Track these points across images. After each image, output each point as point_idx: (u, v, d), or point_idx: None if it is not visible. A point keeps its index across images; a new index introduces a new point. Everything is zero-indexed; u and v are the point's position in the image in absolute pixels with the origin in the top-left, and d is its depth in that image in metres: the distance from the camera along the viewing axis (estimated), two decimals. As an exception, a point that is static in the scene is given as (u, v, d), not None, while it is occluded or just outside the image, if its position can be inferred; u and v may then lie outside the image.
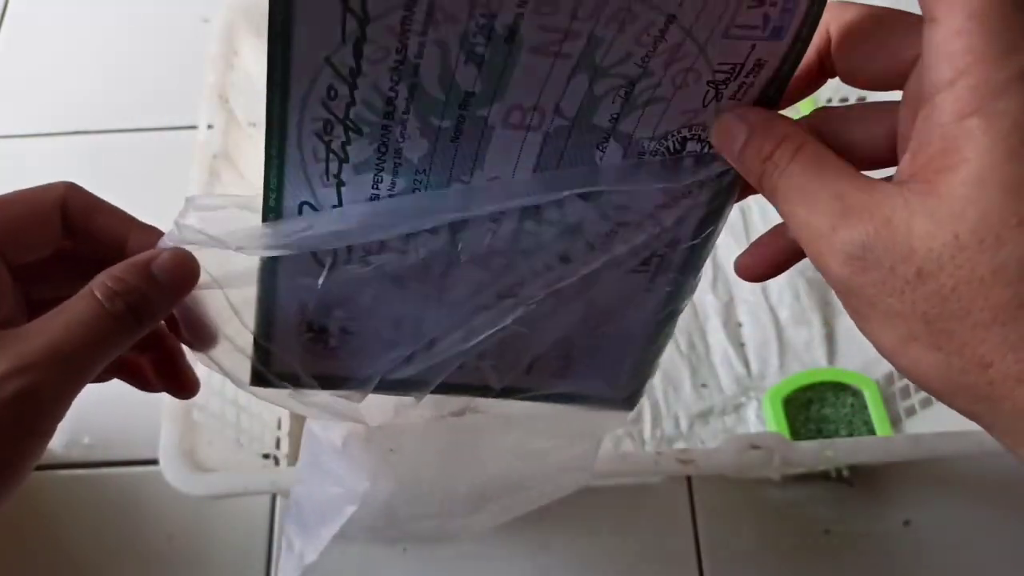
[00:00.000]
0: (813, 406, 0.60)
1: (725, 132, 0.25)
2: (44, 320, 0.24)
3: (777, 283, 0.64)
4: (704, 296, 0.64)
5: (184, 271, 0.26)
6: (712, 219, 0.28)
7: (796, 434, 0.58)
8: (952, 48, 0.19)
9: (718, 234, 0.29)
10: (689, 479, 0.57)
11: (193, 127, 0.54)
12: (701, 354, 0.62)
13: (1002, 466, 0.56)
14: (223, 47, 0.55)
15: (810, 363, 0.62)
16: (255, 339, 0.29)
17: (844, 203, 0.21)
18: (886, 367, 0.59)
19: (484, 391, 0.32)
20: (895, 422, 0.58)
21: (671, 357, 0.61)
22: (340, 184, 0.25)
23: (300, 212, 0.26)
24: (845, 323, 0.63)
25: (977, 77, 0.19)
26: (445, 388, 0.31)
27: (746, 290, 0.64)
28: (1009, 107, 0.19)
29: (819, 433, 0.58)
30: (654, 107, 0.25)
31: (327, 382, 0.30)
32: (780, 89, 0.25)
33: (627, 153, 0.26)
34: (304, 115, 0.24)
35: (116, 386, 0.29)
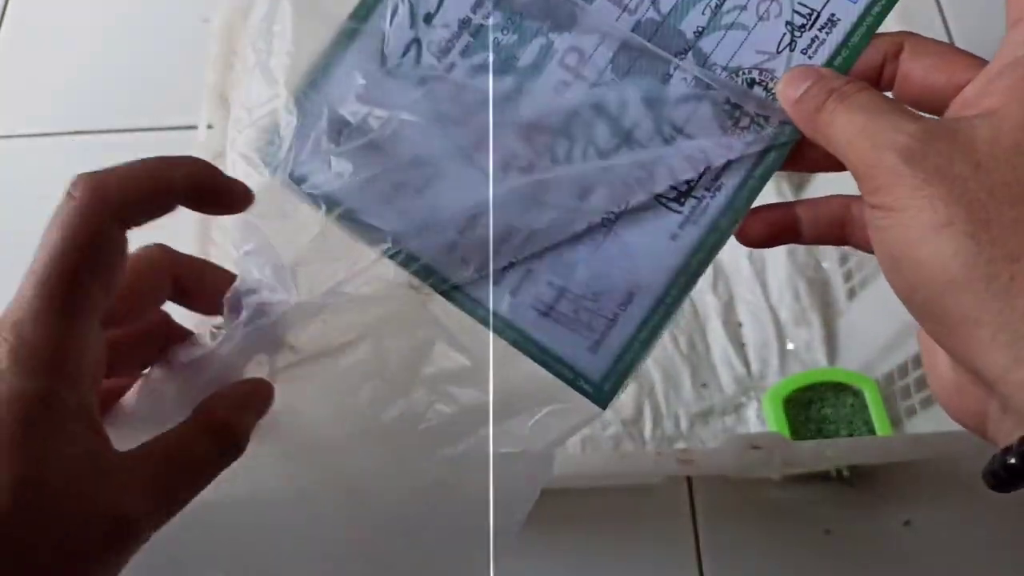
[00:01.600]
0: (813, 406, 0.60)
1: (791, 78, 0.26)
2: (151, 454, 0.23)
3: (777, 283, 0.64)
4: (704, 296, 0.64)
5: (264, 407, 0.26)
6: (758, 175, 0.28)
7: (796, 434, 0.58)
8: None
9: (750, 202, 0.28)
10: (689, 479, 0.57)
11: (193, 127, 0.53)
12: (701, 354, 0.62)
13: (1002, 466, 0.56)
14: (223, 47, 0.55)
15: (810, 363, 0.62)
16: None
17: (908, 111, 0.23)
18: (886, 367, 0.59)
19: (461, 299, 0.28)
20: (895, 422, 0.58)
21: (671, 357, 0.61)
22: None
23: (398, 5, 0.27)
24: (845, 323, 0.63)
25: None
26: (421, 270, 0.28)
27: (746, 290, 0.64)
28: None
29: (819, 433, 0.59)
30: (735, 33, 0.27)
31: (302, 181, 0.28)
32: (846, 63, 0.27)
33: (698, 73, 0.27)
34: None
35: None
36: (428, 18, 0.28)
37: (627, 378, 0.28)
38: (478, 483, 0.28)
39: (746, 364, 0.62)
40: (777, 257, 0.65)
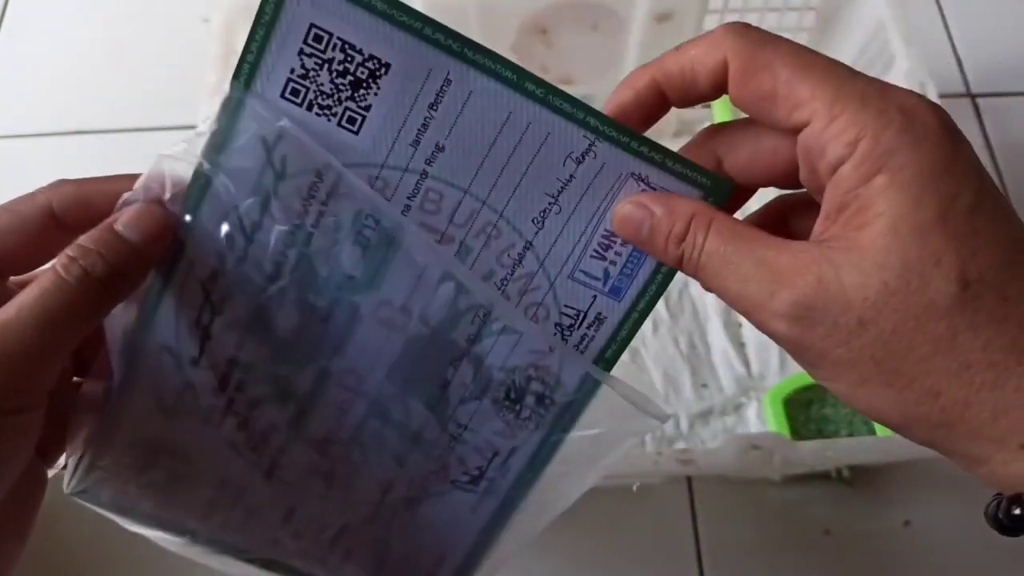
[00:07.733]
0: (813, 406, 0.60)
1: (628, 220, 0.26)
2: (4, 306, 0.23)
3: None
4: (704, 296, 0.64)
5: (153, 223, 0.25)
6: (541, 454, 0.29)
7: (796, 434, 0.58)
8: (834, 131, 0.22)
9: (540, 471, 0.30)
10: (689, 479, 0.57)
11: (193, 127, 0.53)
12: (701, 354, 0.62)
13: (1002, 466, 0.56)
14: (223, 47, 0.55)
15: (810, 363, 0.61)
16: (85, 443, 0.28)
17: (771, 270, 0.23)
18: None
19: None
20: (895, 422, 0.58)
21: (671, 357, 0.61)
22: (206, 338, 0.26)
23: (161, 355, 0.27)
24: (845, 323, 0.63)
25: (869, 143, 0.21)
26: (265, 564, 0.31)
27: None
28: (907, 159, 0.21)
29: (819, 433, 0.58)
30: (506, 337, 0.27)
31: (151, 520, 0.30)
32: (618, 352, 0.27)
33: (476, 377, 0.28)
34: (195, 260, 0.25)
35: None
36: (194, 361, 0.27)
37: None
38: None
39: (746, 364, 0.62)
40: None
